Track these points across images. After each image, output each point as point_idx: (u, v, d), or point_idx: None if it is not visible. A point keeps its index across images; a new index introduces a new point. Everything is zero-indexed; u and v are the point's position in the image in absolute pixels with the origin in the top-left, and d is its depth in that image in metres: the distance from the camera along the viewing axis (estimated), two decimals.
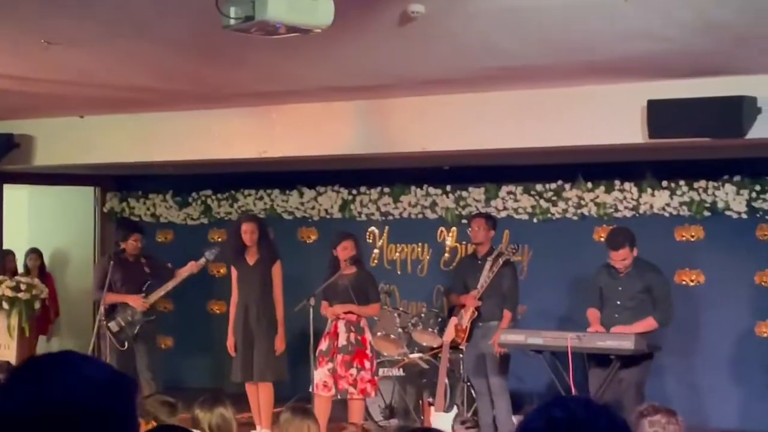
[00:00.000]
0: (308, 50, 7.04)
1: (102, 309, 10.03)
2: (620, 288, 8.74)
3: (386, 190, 11.95)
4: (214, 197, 12.95)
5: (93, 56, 7.41)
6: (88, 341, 10.10)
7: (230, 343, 9.73)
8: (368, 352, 9.36)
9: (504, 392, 9.40)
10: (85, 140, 10.81)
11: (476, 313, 9.49)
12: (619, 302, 8.74)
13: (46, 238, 13.48)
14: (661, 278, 8.84)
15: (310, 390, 9.30)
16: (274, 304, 9.70)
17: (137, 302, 10.13)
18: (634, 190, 10.69)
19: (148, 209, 13.38)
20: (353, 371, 9.23)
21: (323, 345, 9.33)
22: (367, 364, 9.31)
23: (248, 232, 9.68)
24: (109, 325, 10.03)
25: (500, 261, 9.43)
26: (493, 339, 9.22)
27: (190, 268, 10.27)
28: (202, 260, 10.28)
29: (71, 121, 10.75)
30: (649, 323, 8.58)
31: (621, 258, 8.65)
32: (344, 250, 9.31)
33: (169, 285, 10.29)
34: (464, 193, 11.54)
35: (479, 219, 9.83)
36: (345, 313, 9.30)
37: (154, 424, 5.29)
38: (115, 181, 13.54)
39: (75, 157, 11.10)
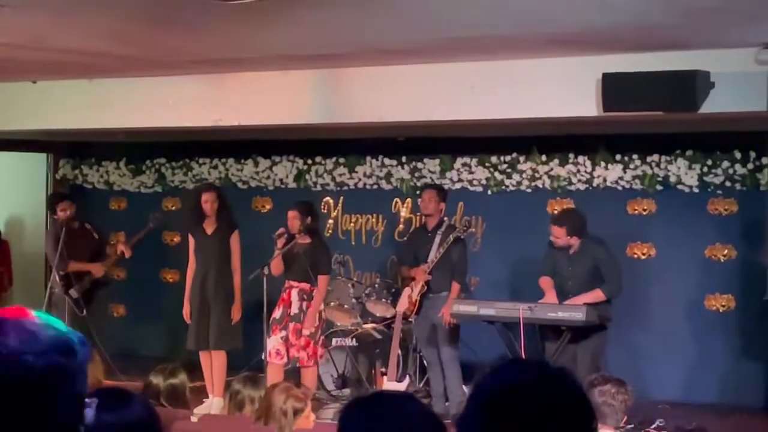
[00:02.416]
0: (265, 17, 6.99)
1: (55, 276, 10.04)
2: (571, 268, 8.85)
3: (341, 160, 11.94)
4: (168, 165, 12.88)
5: (46, 20, 7.31)
6: (41, 309, 10.04)
7: (186, 311, 9.72)
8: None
9: (454, 362, 9.45)
10: (38, 106, 10.69)
11: (425, 287, 9.52)
12: (571, 282, 8.82)
13: None
14: (606, 253, 8.90)
15: (263, 358, 9.32)
16: (232, 274, 9.71)
17: (98, 269, 10.20)
18: (588, 163, 10.76)
19: (102, 176, 13.27)
20: (302, 339, 9.27)
21: (277, 313, 9.35)
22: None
23: (209, 202, 9.68)
24: (70, 292, 10.04)
25: (451, 238, 9.43)
26: (442, 310, 9.26)
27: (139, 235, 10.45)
28: (150, 225, 10.41)
29: (24, 86, 10.62)
30: (596, 294, 8.66)
31: (555, 235, 8.86)
32: (288, 221, 9.34)
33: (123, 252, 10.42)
34: (419, 165, 11.56)
35: (430, 190, 9.82)
36: (298, 282, 9.34)
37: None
38: (69, 148, 13.41)
39: (27, 123, 10.98)
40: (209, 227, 9.75)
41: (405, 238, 11.01)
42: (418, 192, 11.47)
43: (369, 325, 10.17)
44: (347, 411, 2.44)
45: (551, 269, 9.00)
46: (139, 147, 12.89)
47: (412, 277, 9.65)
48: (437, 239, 9.54)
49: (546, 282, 8.96)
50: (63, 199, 10.64)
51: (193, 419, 5.93)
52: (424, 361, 9.86)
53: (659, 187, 10.53)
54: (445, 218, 9.80)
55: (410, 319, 9.70)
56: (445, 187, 11.33)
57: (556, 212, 9.16)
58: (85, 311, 10.04)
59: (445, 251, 9.42)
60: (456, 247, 9.49)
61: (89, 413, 1.79)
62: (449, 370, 9.44)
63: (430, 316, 9.49)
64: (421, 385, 9.96)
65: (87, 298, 10.18)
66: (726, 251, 10.39)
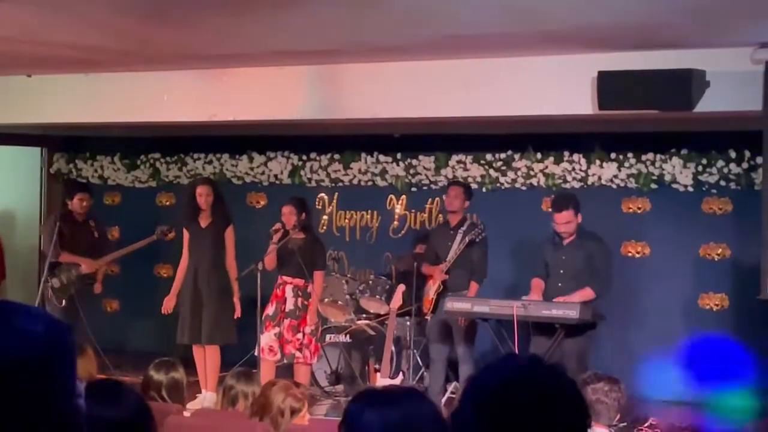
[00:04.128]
0: (260, 13, 6.99)
1: (46, 266, 10.10)
2: (563, 257, 8.79)
3: (336, 156, 11.93)
4: (162, 160, 12.86)
5: (42, 14, 7.30)
6: (34, 303, 10.04)
7: (170, 301, 9.72)
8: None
9: (469, 360, 9.41)
10: (33, 100, 10.68)
11: (441, 286, 9.48)
12: (562, 271, 8.79)
13: None
14: (603, 247, 8.86)
15: (255, 354, 9.31)
16: (225, 268, 9.71)
17: (89, 265, 10.19)
18: (583, 161, 10.76)
19: (96, 171, 13.26)
20: (299, 336, 9.26)
21: (270, 310, 9.33)
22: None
23: (203, 195, 9.68)
24: (52, 281, 10.06)
25: (467, 239, 9.36)
26: None
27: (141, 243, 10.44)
28: (154, 236, 10.39)
29: (19, 80, 10.61)
30: (586, 293, 8.61)
31: (564, 220, 8.64)
32: (283, 216, 9.33)
33: (121, 252, 10.43)
34: (414, 162, 11.55)
35: (457, 187, 9.71)
36: (292, 278, 9.34)
37: None
38: (63, 142, 13.39)
39: (22, 117, 10.96)
40: (204, 221, 9.75)
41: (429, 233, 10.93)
42: (413, 189, 11.49)
43: (363, 322, 10.17)
44: (355, 403, 2.44)
45: (543, 268, 8.95)
46: (134, 142, 12.87)
47: (429, 276, 9.62)
48: (458, 238, 9.49)
49: (536, 284, 8.93)
50: (83, 189, 10.68)
51: (186, 414, 5.92)
52: (418, 359, 9.85)
53: (654, 186, 10.53)
54: (467, 216, 9.71)
55: (426, 317, 9.67)
56: (440, 184, 11.35)
57: (552, 203, 8.99)
58: (64, 302, 10.07)
59: (462, 251, 9.37)
60: (477, 247, 9.44)
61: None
62: (463, 367, 9.42)
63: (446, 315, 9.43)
64: (414, 381, 9.95)
65: (79, 292, 10.20)
66: (720, 250, 10.40)
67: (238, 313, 9.64)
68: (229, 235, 9.75)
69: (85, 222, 10.43)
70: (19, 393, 1.65)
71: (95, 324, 10.30)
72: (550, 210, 9.14)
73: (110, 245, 10.79)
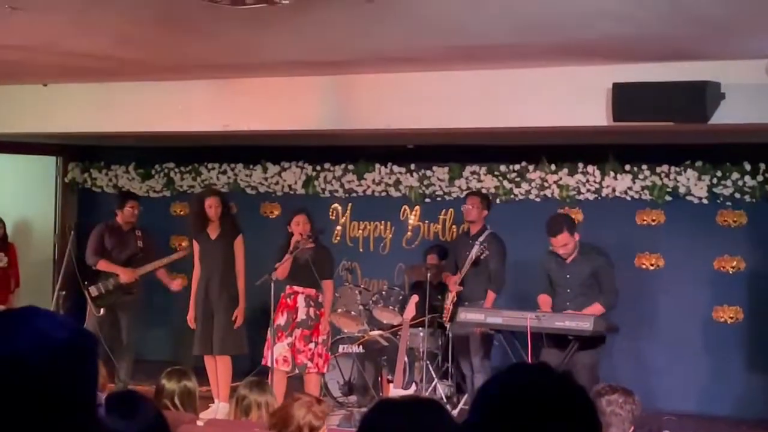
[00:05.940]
0: (274, 23, 7.00)
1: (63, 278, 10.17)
2: (568, 276, 8.74)
3: (350, 167, 11.93)
4: (177, 170, 12.88)
5: (57, 23, 7.33)
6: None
7: (191, 316, 9.74)
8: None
9: (483, 371, 9.40)
10: (48, 109, 10.71)
11: (456, 297, 9.48)
12: (569, 290, 8.73)
13: (7, 208, 13.35)
14: (605, 261, 8.78)
15: (267, 365, 9.27)
16: (236, 278, 9.70)
17: (127, 274, 10.17)
18: (597, 173, 10.74)
19: (111, 180, 13.28)
20: (311, 346, 9.24)
21: (281, 319, 9.29)
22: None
23: (213, 207, 9.69)
24: (90, 289, 10.08)
25: (473, 255, 9.35)
26: None
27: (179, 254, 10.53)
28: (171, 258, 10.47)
29: (34, 89, 10.64)
30: (596, 309, 8.58)
31: (561, 243, 8.62)
32: (296, 225, 9.29)
33: (161, 263, 10.39)
34: (428, 172, 11.54)
35: (474, 197, 9.78)
36: (304, 288, 9.33)
37: None
38: (78, 152, 13.43)
39: (37, 126, 10.99)
40: (213, 232, 9.76)
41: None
42: (426, 200, 11.48)
43: (376, 332, 10.16)
44: (373, 413, 2.44)
45: (548, 283, 8.92)
46: (149, 151, 12.90)
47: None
48: (475, 249, 9.49)
49: (545, 301, 8.89)
50: (135, 198, 10.71)
51: (199, 423, 5.92)
52: (431, 370, 9.82)
53: (668, 198, 10.50)
54: (487, 225, 9.69)
55: (446, 325, 9.68)
56: (454, 194, 11.34)
57: (546, 228, 8.76)
58: (102, 311, 10.09)
59: (473, 264, 9.35)
60: (494, 257, 9.42)
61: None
62: (477, 377, 9.42)
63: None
64: (427, 393, 9.92)
65: (123, 302, 10.25)
66: (735, 263, 10.36)
67: (238, 324, 9.63)
68: (239, 245, 9.76)
69: (131, 231, 10.42)
70: (41, 397, 1.65)
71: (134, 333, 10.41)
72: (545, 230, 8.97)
73: (155, 256, 10.61)
